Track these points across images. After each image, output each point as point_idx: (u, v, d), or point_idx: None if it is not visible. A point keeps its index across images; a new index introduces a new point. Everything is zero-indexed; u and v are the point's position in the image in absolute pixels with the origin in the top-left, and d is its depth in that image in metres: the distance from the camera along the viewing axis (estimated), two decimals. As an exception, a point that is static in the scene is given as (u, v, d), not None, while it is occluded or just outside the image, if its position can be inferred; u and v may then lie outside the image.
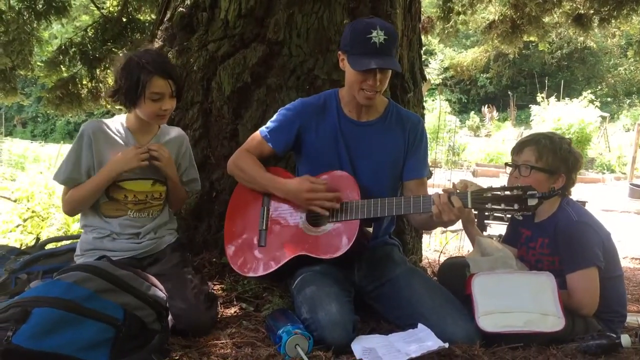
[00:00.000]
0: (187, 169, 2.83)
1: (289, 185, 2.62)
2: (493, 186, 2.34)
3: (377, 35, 2.47)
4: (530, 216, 2.75)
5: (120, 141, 2.61)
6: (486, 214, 3.59)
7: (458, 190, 2.40)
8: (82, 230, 2.71)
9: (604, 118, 20.15)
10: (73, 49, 6.47)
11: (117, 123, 2.65)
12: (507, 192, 2.28)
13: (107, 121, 2.67)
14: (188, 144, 2.84)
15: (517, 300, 2.37)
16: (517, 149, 2.76)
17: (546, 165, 2.64)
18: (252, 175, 2.71)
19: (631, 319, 2.89)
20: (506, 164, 2.83)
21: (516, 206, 2.26)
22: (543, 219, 2.71)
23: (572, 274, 2.53)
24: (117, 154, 2.56)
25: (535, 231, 2.73)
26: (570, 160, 2.67)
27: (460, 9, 7.73)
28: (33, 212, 6.39)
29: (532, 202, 2.23)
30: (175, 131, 2.82)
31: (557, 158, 2.65)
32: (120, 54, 2.70)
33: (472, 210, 2.71)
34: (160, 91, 2.52)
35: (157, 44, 3.56)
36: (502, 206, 2.28)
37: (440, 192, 2.40)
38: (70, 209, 2.67)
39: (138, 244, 2.64)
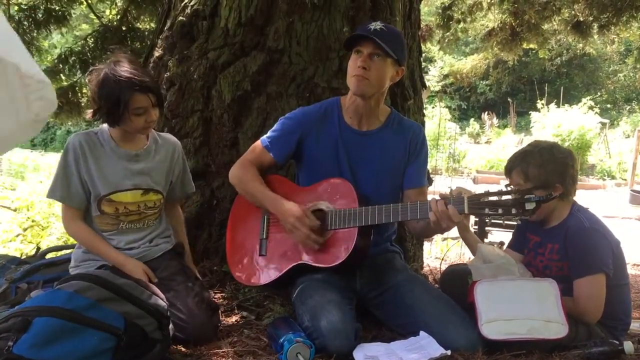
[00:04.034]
0: (181, 174, 2.82)
1: (283, 207, 2.58)
2: (490, 190, 2.33)
3: (375, 25, 2.52)
4: (540, 222, 2.74)
5: (109, 153, 2.59)
6: (486, 220, 3.59)
7: (454, 197, 2.39)
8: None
9: (603, 124, 20.16)
10: (73, 58, 6.47)
11: (105, 133, 2.61)
12: (504, 197, 2.27)
13: (94, 131, 2.63)
14: (181, 149, 2.83)
15: (520, 307, 2.36)
16: (507, 173, 2.75)
17: (536, 182, 2.59)
18: (252, 191, 2.70)
19: (634, 325, 2.88)
20: (506, 186, 2.80)
21: (514, 211, 2.24)
22: (553, 225, 2.69)
23: (579, 279, 2.52)
24: (131, 263, 2.54)
25: (545, 237, 2.71)
26: (557, 167, 2.63)
27: (459, 17, 7.76)
28: (33, 221, 6.39)
29: (529, 206, 2.21)
30: (167, 138, 2.81)
31: (543, 171, 2.61)
32: (93, 69, 2.61)
33: (469, 216, 2.70)
34: (143, 106, 2.48)
35: (158, 52, 3.57)
36: (500, 211, 2.26)
37: (437, 198, 2.40)
38: (69, 234, 2.66)
39: (130, 251, 2.63)
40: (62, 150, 2.60)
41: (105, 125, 2.62)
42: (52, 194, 2.57)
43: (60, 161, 2.57)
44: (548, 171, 2.62)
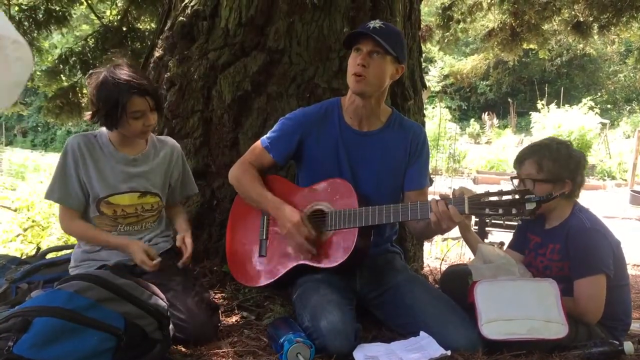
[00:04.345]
0: (181, 176, 2.82)
1: (282, 211, 2.58)
2: (490, 191, 2.32)
3: (374, 23, 2.52)
4: (541, 222, 2.75)
5: (107, 156, 2.59)
6: (486, 220, 3.59)
7: (456, 197, 2.39)
8: (76, 243, 2.71)
9: (604, 125, 20.18)
10: (73, 58, 6.48)
11: (104, 136, 2.62)
12: (505, 197, 2.27)
13: (93, 134, 2.63)
14: (180, 152, 2.83)
15: (521, 307, 2.36)
16: (518, 162, 2.74)
17: (549, 175, 2.62)
18: (251, 193, 2.70)
19: (634, 326, 2.87)
20: (512, 178, 2.81)
21: (514, 211, 2.24)
22: (555, 225, 2.70)
23: (580, 279, 2.52)
24: (133, 244, 2.56)
25: (546, 237, 2.71)
26: (571, 164, 2.64)
27: (459, 17, 7.76)
28: (33, 221, 6.40)
29: (530, 206, 2.21)
30: (166, 141, 2.80)
31: (557, 166, 2.62)
32: (92, 71, 2.62)
33: (470, 216, 2.69)
34: (141, 109, 2.49)
35: (158, 53, 3.57)
36: (500, 211, 2.26)
37: (437, 198, 2.39)
38: (68, 233, 2.66)
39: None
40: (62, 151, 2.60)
41: (104, 129, 2.62)
42: (50, 195, 2.58)
43: (59, 162, 2.57)
44: (562, 166, 2.62)
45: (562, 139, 2.83)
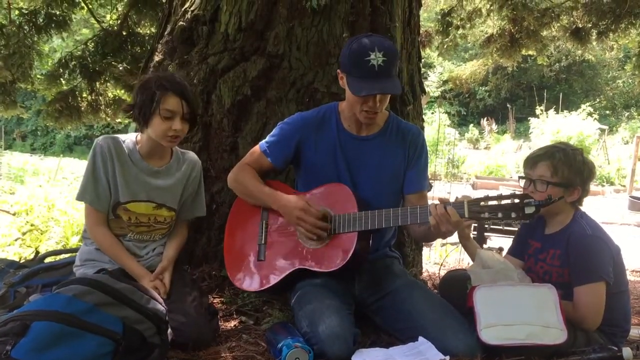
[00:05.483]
0: (195, 194, 2.83)
1: (285, 201, 2.62)
2: (489, 195, 2.33)
3: (376, 58, 2.43)
4: (541, 228, 2.75)
5: (132, 163, 2.60)
6: (485, 225, 3.59)
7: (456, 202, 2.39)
8: (83, 242, 2.71)
9: (602, 131, 20.20)
10: (73, 62, 6.50)
11: (131, 142, 2.63)
12: (504, 201, 2.27)
13: (122, 138, 2.64)
14: (200, 169, 2.83)
15: (520, 312, 2.36)
16: (531, 163, 2.71)
17: (562, 179, 2.61)
18: (251, 190, 2.72)
19: (633, 331, 2.87)
20: (520, 177, 2.80)
21: (513, 215, 2.25)
22: (556, 231, 2.69)
23: (580, 286, 2.51)
24: (146, 280, 2.54)
25: (546, 243, 2.71)
26: (584, 172, 2.65)
27: (459, 23, 7.78)
28: (32, 225, 6.39)
29: (529, 210, 2.22)
30: (189, 156, 2.81)
31: (572, 171, 2.62)
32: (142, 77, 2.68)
33: (470, 224, 2.69)
34: (173, 109, 2.50)
35: (158, 57, 3.57)
36: (499, 215, 2.27)
37: (437, 202, 2.40)
38: (89, 235, 2.66)
39: (137, 260, 2.64)
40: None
41: (131, 136, 2.65)
42: (82, 197, 2.59)
43: (88, 163, 2.59)
44: (575, 172, 2.63)
45: (575, 146, 2.83)
